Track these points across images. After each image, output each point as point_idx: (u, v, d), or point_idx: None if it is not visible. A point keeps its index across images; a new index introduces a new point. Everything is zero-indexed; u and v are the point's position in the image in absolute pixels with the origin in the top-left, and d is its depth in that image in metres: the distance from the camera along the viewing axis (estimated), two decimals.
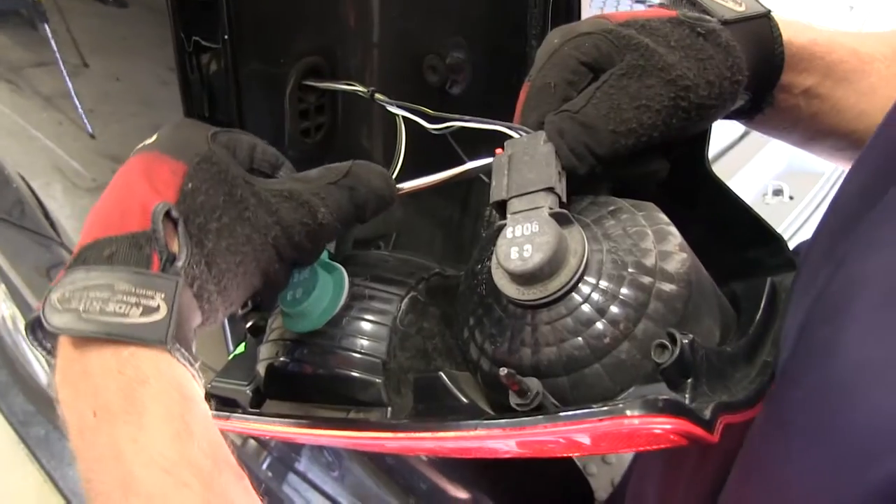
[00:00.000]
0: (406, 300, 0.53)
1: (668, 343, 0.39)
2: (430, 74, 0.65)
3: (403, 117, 0.58)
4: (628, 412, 0.36)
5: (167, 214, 0.43)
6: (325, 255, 0.54)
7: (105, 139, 1.21)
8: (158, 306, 0.40)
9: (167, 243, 0.42)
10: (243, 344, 0.63)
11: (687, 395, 0.39)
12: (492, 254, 0.47)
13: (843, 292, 0.39)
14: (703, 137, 0.52)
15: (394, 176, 0.59)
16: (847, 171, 0.53)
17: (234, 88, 0.65)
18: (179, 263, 0.42)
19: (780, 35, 0.51)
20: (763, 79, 0.52)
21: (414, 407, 0.50)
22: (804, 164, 1.39)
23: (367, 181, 0.49)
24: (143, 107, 1.18)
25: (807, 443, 0.38)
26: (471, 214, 0.71)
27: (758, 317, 0.49)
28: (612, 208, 0.46)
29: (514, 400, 0.40)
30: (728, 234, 0.54)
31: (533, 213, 0.44)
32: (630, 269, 0.43)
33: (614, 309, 0.42)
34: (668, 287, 0.43)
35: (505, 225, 0.44)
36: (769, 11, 0.51)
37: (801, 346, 0.41)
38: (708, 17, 0.49)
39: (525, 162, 0.46)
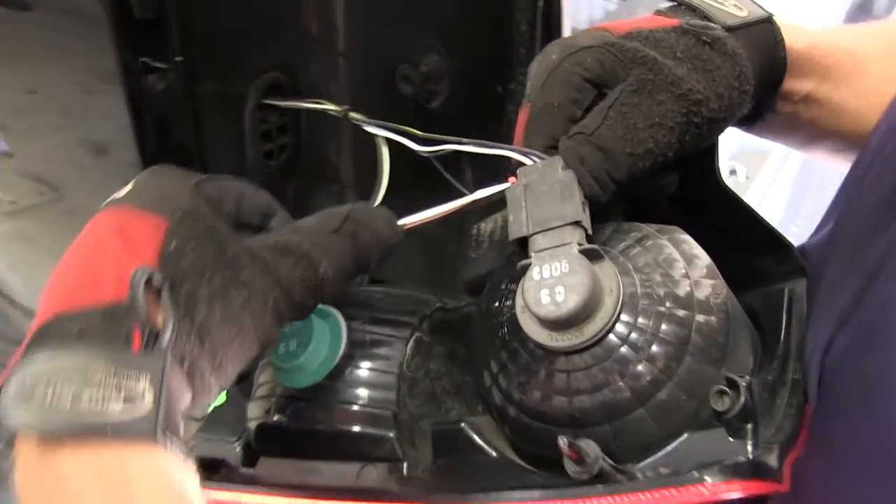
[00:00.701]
0: (411, 343, 0.49)
1: (727, 388, 0.37)
2: (405, 85, 0.61)
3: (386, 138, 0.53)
4: (708, 479, 0.33)
5: (148, 281, 0.36)
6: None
7: (24, 157, 1.11)
8: (143, 393, 0.34)
9: (150, 316, 0.35)
10: (224, 393, 0.57)
11: (749, 443, 0.36)
12: (512, 293, 0.44)
13: (884, 316, 0.37)
14: (712, 148, 0.50)
15: (377, 202, 0.55)
16: (852, 172, 0.52)
17: (189, 111, 0.59)
18: (166, 339, 0.35)
19: (782, 40, 0.49)
20: (766, 86, 0.50)
21: (434, 461, 0.46)
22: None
23: (370, 227, 0.44)
24: (65, 120, 1.09)
25: (864, 480, 0.37)
26: (454, 232, 0.67)
27: (782, 334, 0.47)
28: (638, 236, 0.43)
29: (571, 468, 0.36)
30: (737, 243, 0.52)
31: (560, 250, 0.40)
32: (668, 304, 0.40)
33: (655, 348, 0.39)
34: (707, 319, 0.40)
35: (529, 265, 0.40)
36: (772, 16, 0.49)
37: (839, 373, 0.39)
38: (712, 25, 0.46)
39: (544, 192, 0.42)
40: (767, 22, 0.49)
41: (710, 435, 0.37)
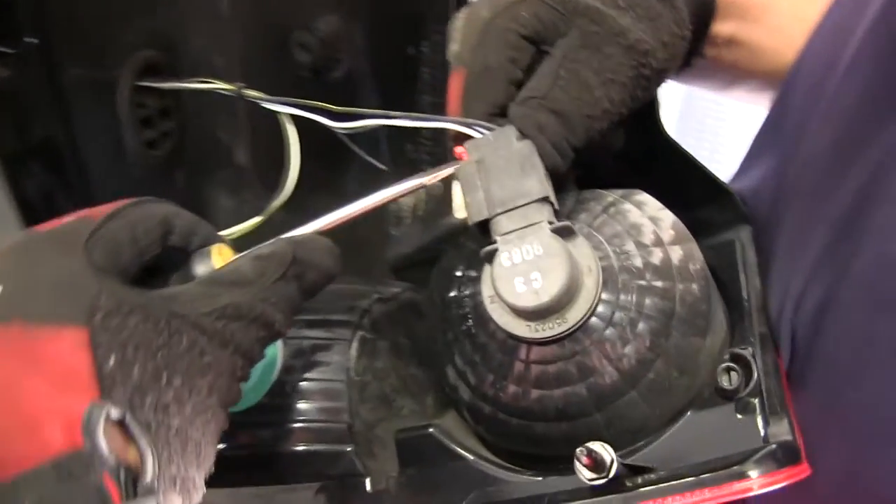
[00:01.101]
0: (355, 344, 0.44)
1: (734, 365, 0.34)
2: (301, 53, 0.54)
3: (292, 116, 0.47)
4: (752, 474, 0.30)
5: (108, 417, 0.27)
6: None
7: None
8: None
9: (120, 457, 0.27)
10: None
11: (759, 418, 0.34)
12: (472, 281, 0.40)
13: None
14: (653, 99, 0.47)
15: (287, 191, 0.49)
16: (776, 112, 0.51)
17: (52, 102, 0.51)
18: (149, 476, 0.28)
19: None
20: (697, 31, 0.47)
21: (401, 472, 0.42)
22: None
23: (315, 264, 0.37)
24: None
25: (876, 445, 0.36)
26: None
27: (744, 288, 0.45)
28: (602, 204, 0.40)
29: (586, 475, 0.33)
30: (681, 195, 0.49)
31: (530, 231, 0.36)
32: (647, 276, 0.37)
33: (640, 326, 0.36)
34: (687, 287, 0.38)
35: (496, 251, 0.36)
36: None
37: (827, 330, 0.38)
38: None
39: (501, 168, 0.37)
40: None
41: (716, 413, 0.35)
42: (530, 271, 0.35)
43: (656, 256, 0.38)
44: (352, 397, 0.43)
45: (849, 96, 0.41)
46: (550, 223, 0.36)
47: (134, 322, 0.30)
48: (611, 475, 0.32)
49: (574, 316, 0.35)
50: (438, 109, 0.55)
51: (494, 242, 0.37)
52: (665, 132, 0.48)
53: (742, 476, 0.30)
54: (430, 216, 0.56)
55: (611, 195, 0.41)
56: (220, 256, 0.37)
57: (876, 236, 0.37)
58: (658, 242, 0.38)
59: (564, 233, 0.36)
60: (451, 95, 0.42)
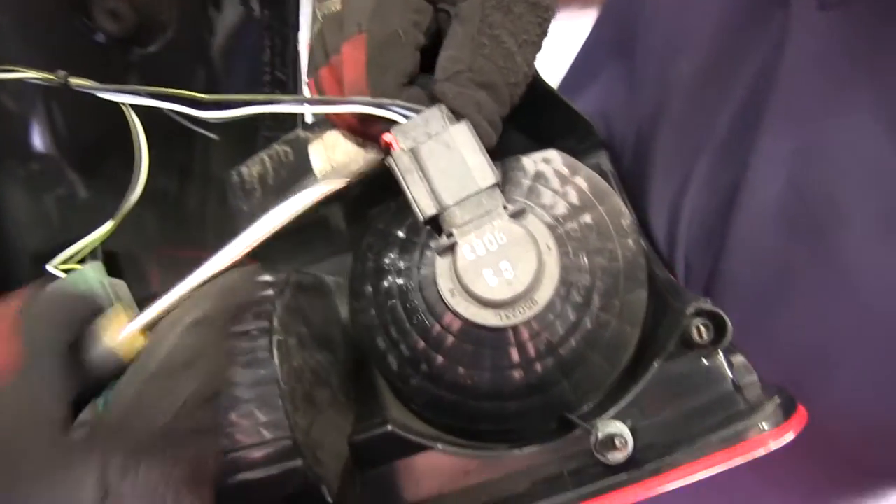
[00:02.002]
0: (276, 352, 0.41)
1: (706, 321, 0.36)
2: (108, 21, 0.45)
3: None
4: (764, 424, 0.33)
5: None
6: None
7: None
8: None
9: None
10: None
11: (724, 363, 0.37)
12: (406, 272, 0.38)
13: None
14: None
15: (138, 191, 0.43)
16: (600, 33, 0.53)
17: None
18: None
19: None
20: None
21: (359, 476, 0.40)
22: None
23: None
24: None
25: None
26: (196, 182, 0.56)
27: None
28: (527, 174, 0.39)
29: (614, 458, 0.34)
30: (544, 129, 0.50)
31: (487, 220, 0.35)
32: (592, 240, 0.38)
33: (595, 290, 0.37)
34: (626, 242, 0.39)
35: (454, 244, 0.35)
36: None
37: (740, 258, 0.42)
38: None
39: (441, 154, 0.35)
40: None
41: (683, 362, 0.37)
42: (499, 261, 0.34)
43: (593, 217, 0.38)
44: (286, 408, 0.40)
45: (712, 24, 0.44)
46: (505, 207, 0.35)
47: None
48: (629, 451, 0.33)
49: (543, 297, 0.35)
50: (284, 87, 0.50)
51: (450, 235, 0.35)
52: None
53: (759, 431, 0.33)
54: (281, 185, 0.51)
55: (527, 161, 0.40)
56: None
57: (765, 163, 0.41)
58: (589, 203, 0.39)
59: (520, 215, 0.35)
60: (349, 67, 0.38)
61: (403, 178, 0.35)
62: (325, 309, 0.49)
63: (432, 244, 0.36)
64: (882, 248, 0.38)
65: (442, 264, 0.36)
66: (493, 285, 0.34)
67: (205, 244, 0.56)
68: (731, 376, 0.37)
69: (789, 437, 0.32)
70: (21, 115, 0.49)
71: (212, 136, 0.51)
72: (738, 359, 0.37)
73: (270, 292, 0.44)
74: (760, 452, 0.32)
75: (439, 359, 0.38)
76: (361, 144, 0.47)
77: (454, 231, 0.35)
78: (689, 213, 0.46)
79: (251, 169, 0.52)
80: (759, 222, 0.42)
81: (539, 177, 0.39)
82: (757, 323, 0.43)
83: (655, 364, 0.37)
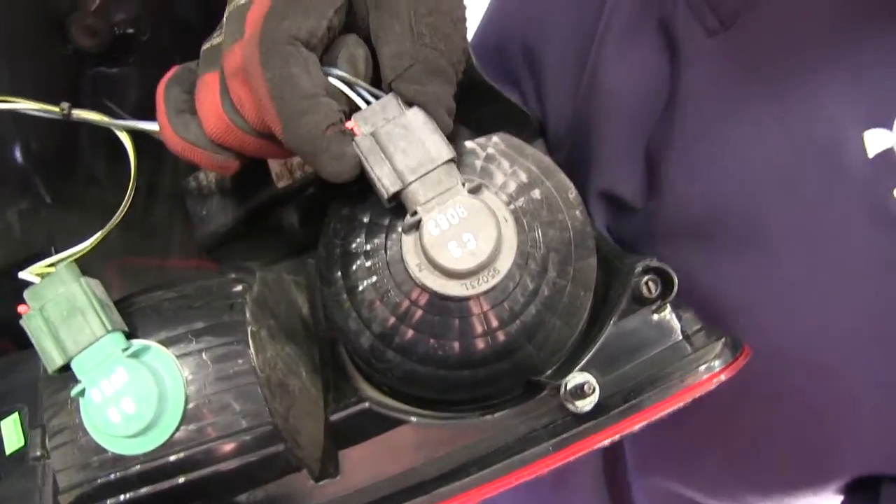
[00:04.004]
0: (251, 342, 0.42)
1: (654, 276, 0.39)
2: (84, 38, 0.46)
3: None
4: (717, 364, 0.36)
5: None
6: (119, 339, 0.39)
7: None
8: None
9: None
10: None
11: (672, 316, 0.40)
12: (374, 253, 0.40)
13: None
14: None
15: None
16: None
17: None
18: None
19: None
20: None
21: (337, 455, 0.42)
22: None
23: None
24: None
25: None
26: (163, 194, 0.57)
27: None
28: (479, 156, 0.42)
29: (583, 405, 0.36)
30: (483, 121, 0.53)
31: (448, 195, 0.37)
32: (544, 212, 0.41)
33: (551, 258, 0.40)
34: (573, 213, 0.42)
35: (419, 221, 0.37)
36: None
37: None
38: None
39: (401, 135, 0.38)
40: None
41: (635, 319, 0.40)
42: (461, 234, 0.37)
43: (542, 192, 0.41)
44: (265, 395, 0.41)
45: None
46: (463, 184, 0.37)
47: None
48: (596, 400, 0.36)
49: (503, 265, 0.38)
50: None
51: (414, 213, 0.37)
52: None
53: (712, 371, 0.36)
54: (240, 190, 0.53)
55: (475, 145, 0.42)
56: None
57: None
58: (537, 180, 0.42)
59: (477, 190, 0.38)
60: (256, 8, 0.37)
61: (367, 159, 0.37)
62: (287, 304, 0.51)
63: (398, 225, 0.38)
64: (801, 259, 0.41)
65: (408, 241, 0.38)
66: (458, 256, 0.36)
67: (170, 255, 0.57)
68: (679, 326, 0.40)
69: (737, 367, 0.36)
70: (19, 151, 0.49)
71: None
72: (686, 312, 0.40)
73: (240, 287, 0.45)
74: (713, 385, 0.35)
75: (410, 332, 0.40)
76: None
77: (418, 209, 0.37)
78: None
79: (208, 174, 0.53)
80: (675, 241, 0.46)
81: (489, 159, 0.42)
82: None
83: (610, 322, 0.40)
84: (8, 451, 0.44)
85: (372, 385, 0.44)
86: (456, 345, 0.39)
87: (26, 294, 0.40)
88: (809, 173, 0.41)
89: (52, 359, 0.39)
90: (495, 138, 0.43)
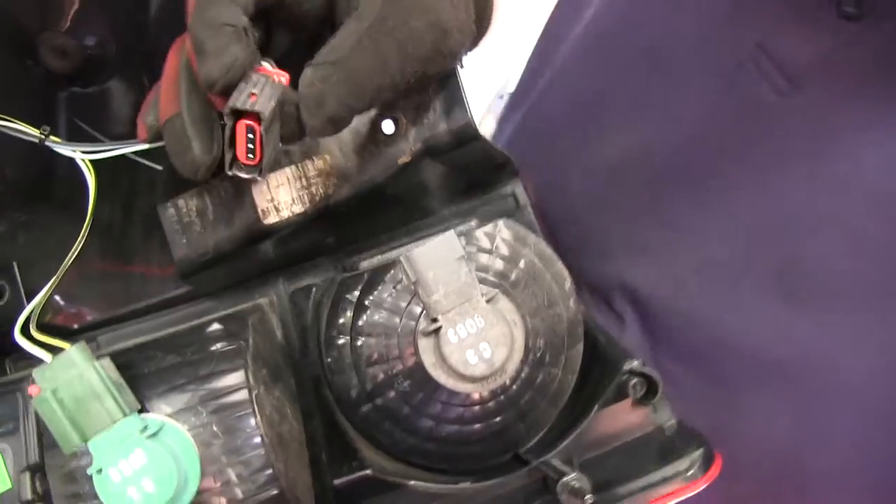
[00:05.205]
0: (255, 407, 0.44)
1: (644, 381, 0.44)
2: (55, 59, 0.44)
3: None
4: (699, 475, 0.41)
5: None
6: (136, 421, 0.40)
7: None
8: None
9: None
10: None
11: (650, 409, 0.45)
12: (392, 338, 0.42)
13: None
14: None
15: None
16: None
17: None
18: None
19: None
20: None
21: None
22: None
23: None
24: None
25: None
26: (140, 213, 0.56)
27: None
28: (487, 246, 0.44)
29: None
30: (460, 159, 0.54)
31: (469, 307, 0.40)
32: (544, 306, 0.44)
33: (549, 351, 0.44)
34: (568, 305, 0.45)
35: (439, 328, 0.40)
36: None
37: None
38: None
39: (441, 261, 0.40)
40: None
41: (616, 408, 0.45)
42: (478, 343, 0.40)
43: (544, 287, 0.44)
44: (271, 460, 0.44)
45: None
46: (483, 295, 0.40)
47: None
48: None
49: (511, 367, 0.41)
50: None
51: (434, 320, 0.40)
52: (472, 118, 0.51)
53: (692, 479, 0.41)
54: (221, 219, 0.53)
55: (480, 234, 0.44)
56: None
57: None
58: (539, 273, 0.44)
59: (494, 299, 0.41)
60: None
61: (417, 279, 0.41)
62: (269, 338, 0.52)
63: (421, 329, 0.41)
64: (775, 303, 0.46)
65: (426, 343, 0.40)
66: (474, 363, 0.39)
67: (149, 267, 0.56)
68: (656, 421, 0.45)
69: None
70: None
71: (157, 167, 0.52)
72: (664, 408, 0.45)
73: (236, 346, 0.46)
74: (688, 494, 0.41)
75: (412, 412, 0.43)
76: (306, 188, 0.51)
77: (440, 317, 0.40)
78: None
79: (188, 202, 0.52)
80: None
81: (494, 251, 0.44)
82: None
83: (595, 407, 0.44)
84: None
85: (371, 446, 0.47)
86: (454, 428, 0.43)
87: (36, 375, 0.40)
88: None
89: (69, 441, 0.39)
90: (502, 227, 0.45)
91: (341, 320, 0.44)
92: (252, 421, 0.43)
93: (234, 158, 0.39)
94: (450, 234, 0.40)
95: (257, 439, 0.43)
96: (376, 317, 0.43)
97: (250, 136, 0.38)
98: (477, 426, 0.43)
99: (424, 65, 0.40)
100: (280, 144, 0.41)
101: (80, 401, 0.39)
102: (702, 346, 0.54)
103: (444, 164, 0.52)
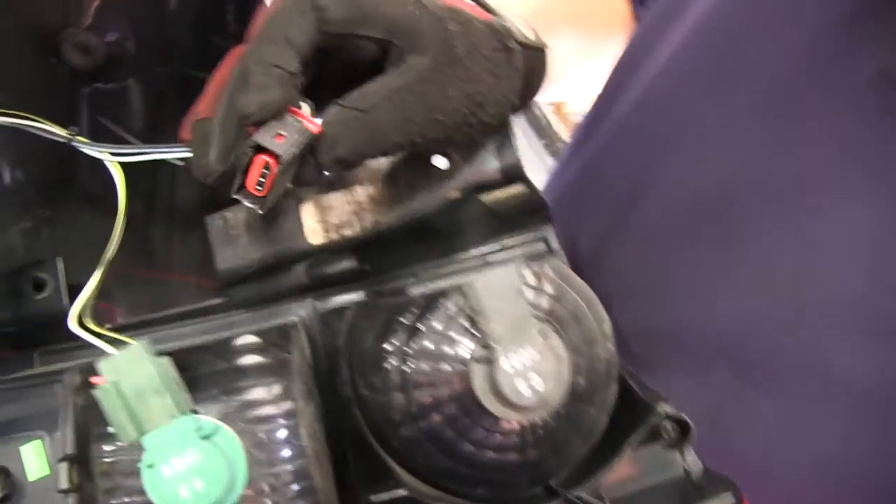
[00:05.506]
0: (300, 419, 0.45)
1: (674, 425, 0.46)
2: (77, 55, 0.46)
3: None
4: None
5: None
6: (192, 421, 0.41)
7: None
8: None
9: None
10: None
11: (678, 453, 0.47)
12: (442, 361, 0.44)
13: None
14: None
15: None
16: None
17: None
18: None
19: (545, 72, 0.51)
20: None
21: None
22: None
23: None
24: None
25: None
26: (162, 210, 0.56)
27: None
28: (533, 282, 0.46)
29: None
30: (505, 214, 0.56)
31: (526, 339, 0.42)
32: (585, 344, 0.46)
33: (587, 389, 0.45)
34: (605, 344, 0.47)
35: (495, 355, 0.42)
36: (546, 47, 0.50)
37: None
38: (513, 32, 0.46)
39: (500, 294, 0.43)
40: (542, 51, 0.50)
41: (647, 450, 0.47)
42: (529, 374, 0.41)
43: (586, 326, 0.46)
44: (312, 472, 0.45)
45: None
46: (536, 328, 0.42)
47: None
48: None
49: (556, 401, 0.43)
50: None
51: (487, 347, 0.42)
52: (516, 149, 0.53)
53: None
54: (267, 233, 0.54)
55: (531, 273, 0.46)
56: None
57: None
58: (583, 313, 0.46)
59: (545, 333, 0.43)
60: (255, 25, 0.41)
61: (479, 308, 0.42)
62: (304, 356, 0.53)
63: (474, 354, 0.43)
64: None
65: (477, 368, 0.42)
66: (527, 394, 0.41)
67: (170, 269, 0.57)
68: (683, 465, 0.47)
69: None
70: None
71: (178, 163, 0.53)
72: (691, 452, 0.47)
73: (284, 356, 0.48)
74: None
75: (454, 435, 0.44)
76: (356, 213, 0.52)
77: (495, 346, 0.41)
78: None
79: (236, 215, 0.54)
80: None
81: (541, 288, 0.46)
82: None
83: (627, 447, 0.46)
84: (31, 477, 0.45)
85: (400, 468, 0.48)
86: (493, 455, 0.44)
87: (102, 365, 0.41)
88: None
89: (128, 433, 0.40)
90: (548, 269, 0.47)
91: (391, 343, 0.46)
92: (292, 433, 0.44)
93: (243, 185, 0.40)
94: (511, 267, 0.42)
95: (294, 451, 0.44)
96: (427, 341, 0.44)
97: (265, 170, 0.40)
98: (513, 455, 0.44)
99: (449, 131, 0.42)
100: (291, 185, 0.42)
101: (140, 395, 0.40)
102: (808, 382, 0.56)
103: (485, 203, 0.55)
